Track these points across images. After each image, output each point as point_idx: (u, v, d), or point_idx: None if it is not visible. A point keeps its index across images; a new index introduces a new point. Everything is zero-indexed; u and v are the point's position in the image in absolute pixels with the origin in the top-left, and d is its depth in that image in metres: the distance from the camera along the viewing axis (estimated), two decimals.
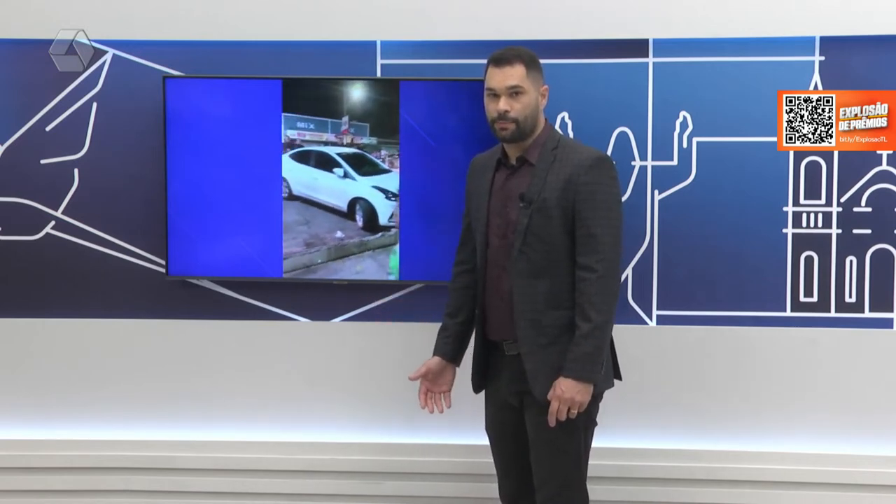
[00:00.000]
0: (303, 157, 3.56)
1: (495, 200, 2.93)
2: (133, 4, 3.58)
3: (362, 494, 3.64)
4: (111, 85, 3.61)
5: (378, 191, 3.55)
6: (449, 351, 3.09)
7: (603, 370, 2.81)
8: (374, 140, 3.52)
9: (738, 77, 3.48)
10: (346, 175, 3.55)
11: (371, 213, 3.55)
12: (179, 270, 3.60)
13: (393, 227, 3.55)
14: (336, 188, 3.56)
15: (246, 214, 3.57)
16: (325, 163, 3.55)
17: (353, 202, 3.56)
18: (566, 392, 2.75)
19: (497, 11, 3.49)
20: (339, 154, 3.54)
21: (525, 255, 2.84)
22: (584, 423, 2.86)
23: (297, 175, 3.56)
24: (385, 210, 3.55)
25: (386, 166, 3.53)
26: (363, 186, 3.55)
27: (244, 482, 3.65)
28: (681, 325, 3.56)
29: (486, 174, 2.96)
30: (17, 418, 3.71)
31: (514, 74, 2.84)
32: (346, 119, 3.51)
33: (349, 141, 3.52)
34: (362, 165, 3.54)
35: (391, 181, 3.53)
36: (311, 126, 3.53)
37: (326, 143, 3.53)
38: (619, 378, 2.98)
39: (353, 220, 3.56)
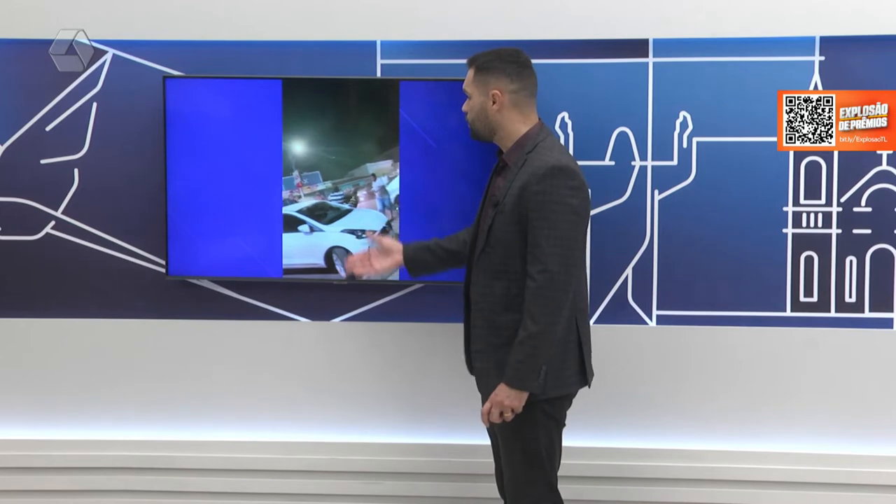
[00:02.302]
0: None
1: (489, 195, 3.03)
2: (133, 4, 3.58)
3: (362, 494, 3.64)
4: (111, 85, 3.61)
5: (348, 234, 3.53)
6: (412, 247, 3.23)
7: (541, 377, 2.80)
8: (328, 183, 3.51)
9: (738, 77, 3.48)
10: (312, 230, 3.53)
11: None
12: (179, 270, 3.60)
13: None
14: (307, 246, 3.54)
15: (246, 214, 3.57)
16: (288, 225, 3.54)
17: (329, 253, 3.55)
18: (498, 395, 2.83)
19: (497, 11, 3.49)
20: (298, 211, 3.53)
21: (487, 256, 2.91)
22: (544, 423, 2.89)
23: None
24: (361, 250, 3.50)
25: (347, 206, 3.52)
26: (333, 235, 3.53)
27: (244, 482, 3.65)
28: (681, 325, 3.56)
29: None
30: (17, 418, 3.72)
31: (466, 79, 3.01)
32: (296, 173, 3.51)
33: (307, 192, 3.51)
34: (325, 214, 3.53)
35: (357, 219, 3.52)
36: None
37: (287, 203, 3.52)
38: (587, 384, 2.98)
39: (335, 272, 3.55)
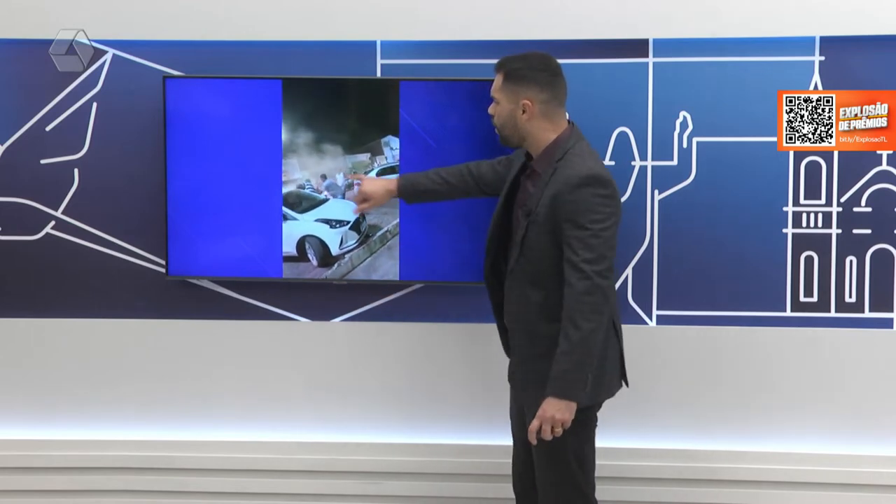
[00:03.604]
0: None
1: (520, 196, 3.00)
2: (133, 4, 3.57)
3: (362, 494, 3.64)
4: (111, 85, 3.61)
5: (321, 223, 3.53)
6: (412, 180, 3.23)
7: (588, 385, 2.78)
8: (305, 173, 3.51)
9: (738, 77, 3.48)
10: (285, 218, 3.54)
11: (322, 248, 3.54)
12: (179, 270, 3.60)
13: (347, 251, 3.54)
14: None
15: (246, 214, 3.57)
16: None
17: (301, 242, 3.55)
18: (547, 411, 2.76)
19: (497, 12, 3.49)
20: None
21: (521, 266, 2.90)
22: (574, 429, 2.85)
23: None
24: (334, 240, 3.54)
25: (323, 196, 3.52)
26: (306, 224, 3.54)
27: (244, 482, 3.65)
28: (681, 325, 3.56)
29: (516, 164, 3.06)
30: (17, 418, 3.72)
31: (494, 83, 2.96)
32: None
33: (285, 180, 3.51)
34: (300, 203, 3.53)
35: (331, 209, 3.53)
36: None
37: None
38: (626, 383, 3.01)
39: (307, 260, 3.56)
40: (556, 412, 2.75)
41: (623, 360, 2.98)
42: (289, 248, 3.55)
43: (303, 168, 3.51)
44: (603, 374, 2.89)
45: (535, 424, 2.79)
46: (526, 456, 3.07)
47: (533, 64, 2.91)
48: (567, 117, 2.97)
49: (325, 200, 3.53)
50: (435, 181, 3.23)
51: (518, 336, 2.94)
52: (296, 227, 3.55)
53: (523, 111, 2.89)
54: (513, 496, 3.20)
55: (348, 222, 3.53)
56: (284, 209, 3.53)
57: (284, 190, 3.52)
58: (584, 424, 2.91)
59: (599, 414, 2.96)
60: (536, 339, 2.86)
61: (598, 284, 2.74)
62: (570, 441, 2.87)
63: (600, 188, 2.79)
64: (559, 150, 2.88)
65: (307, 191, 3.52)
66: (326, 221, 3.53)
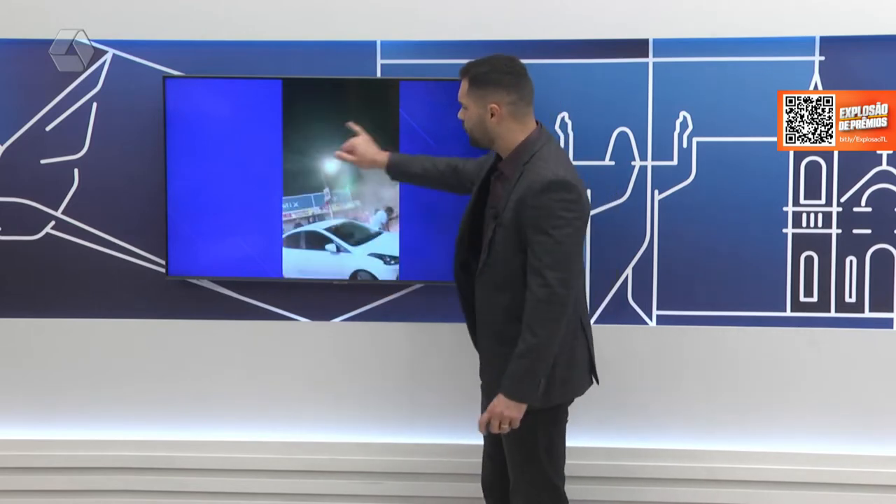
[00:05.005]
0: (292, 242, 3.54)
1: (490, 198, 3.02)
2: (133, 4, 3.57)
3: (362, 494, 3.64)
4: (111, 85, 3.61)
5: (375, 258, 3.52)
6: (403, 159, 3.29)
7: (540, 390, 2.82)
8: (357, 203, 3.50)
9: (738, 77, 3.48)
10: (339, 250, 3.52)
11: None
12: (179, 270, 3.60)
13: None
14: (332, 264, 3.54)
15: (246, 214, 3.57)
16: (316, 241, 3.53)
17: (354, 275, 3.54)
18: (496, 407, 2.83)
19: (497, 12, 3.49)
20: (327, 229, 3.51)
21: (489, 268, 2.92)
22: (543, 426, 2.91)
23: (287, 260, 3.55)
24: (388, 276, 3.52)
25: (377, 229, 3.51)
26: (360, 257, 3.53)
27: (244, 482, 3.65)
28: (681, 325, 3.56)
29: (486, 165, 3.07)
30: (17, 418, 3.72)
31: (461, 89, 2.98)
32: (327, 190, 3.50)
33: (336, 210, 3.50)
34: (353, 235, 3.52)
35: (385, 243, 3.51)
36: (296, 204, 3.52)
37: (313, 219, 3.51)
38: (597, 381, 3.03)
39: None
40: (504, 409, 2.82)
41: (592, 359, 3.00)
42: (342, 275, 3.54)
43: (303, 168, 3.51)
44: (571, 374, 2.92)
45: (484, 418, 2.86)
46: (495, 453, 3.10)
47: (498, 67, 2.91)
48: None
49: (379, 234, 3.51)
50: (424, 166, 3.27)
51: (485, 337, 2.97)
52: (349, 260, 3.52)
53: (491, 115, 2.90)
54: None
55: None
56: (337, 241, 3.52)
57: (337, 222, 3.50)
58: (555, 421, 2.95)
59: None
60: (504, 340, 2.88)
61: (557, 293, 2.75)
62: (540, 437, 2.92)
63: (564, 193, 2.78)
64: (527, 152, 2.89)
65: (361, 222, 3.51)
66: (380, 256, 3.52)
